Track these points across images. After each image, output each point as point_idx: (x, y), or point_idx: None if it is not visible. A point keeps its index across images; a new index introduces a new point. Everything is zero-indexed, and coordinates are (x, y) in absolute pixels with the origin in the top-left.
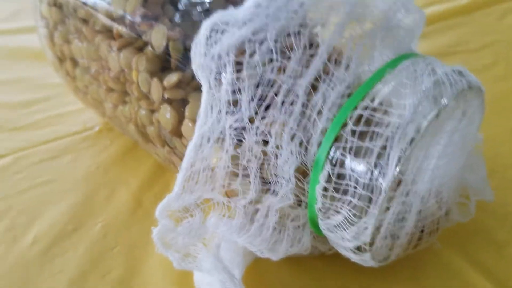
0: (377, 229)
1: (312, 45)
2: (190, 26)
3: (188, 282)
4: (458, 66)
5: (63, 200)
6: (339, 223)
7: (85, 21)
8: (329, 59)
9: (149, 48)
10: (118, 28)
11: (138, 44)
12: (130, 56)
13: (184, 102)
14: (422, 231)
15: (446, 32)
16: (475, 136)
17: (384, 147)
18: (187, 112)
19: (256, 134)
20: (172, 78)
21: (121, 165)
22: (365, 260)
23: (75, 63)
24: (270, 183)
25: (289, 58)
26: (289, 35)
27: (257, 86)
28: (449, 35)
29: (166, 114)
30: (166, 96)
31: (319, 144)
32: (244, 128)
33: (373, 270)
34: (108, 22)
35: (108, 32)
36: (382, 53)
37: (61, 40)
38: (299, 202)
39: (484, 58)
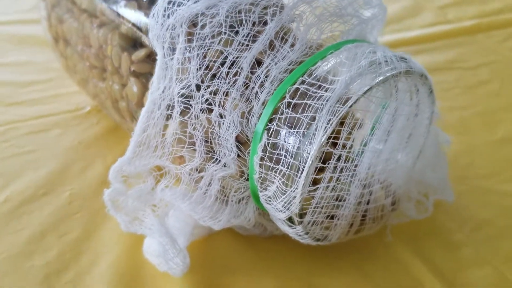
0: (308, 201)
1: (261, 22)
2: None
3: (138, 248)
4: (403, 53)
5: (40, 168)
6: (273, 193)
7: (74, 2)
8: (275, 37)
9: (123, 25)
10: (100, 7)
11: (116, 23)
12: (107, 32)
13: (151, 76)
14: (364, 215)
15: (447, 49)
16: (426, 129)
17: (313, 118)
18: (150, 84)
19: (202, 102)
20: (140, 52)
21: (102, 143)
22: (301, 235)
23: (67, 42)
24: (214, 151)
25: (237, 32)
26: (240, 12)
27: (205, 57)
28: (449, 52)
29: (132, 87)
30: (132, 69)
31: (260, 116)
32: (191, 96)
33: (320, 254)
34: (92, 1)
35: (92, 11)
36: (331, 36)
37: (56, 21)
38: (241, 174)
39: (481, 76)
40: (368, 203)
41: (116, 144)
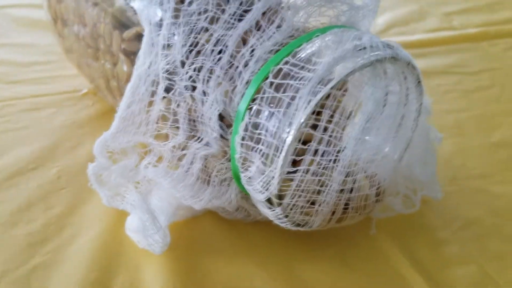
0: (288, 184)
1: (248, 1)
2: None
3: (121, 226)
4: (392, 41)
5: (32, 144)
6: (253, 173)
7: None
8: (262, 17)
9: (116, 2)
10: None
11: (109, 1)
12: (100, 11)
13: None
14: (347, 204)
15: (449, 54)
16: (415, 122)
17: (294, 98)
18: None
19: (186, 79)
20: (131, 31)
21: (95, 124)
22: (280, 218)
23: (64, 23)
24: (197, 130)
25: (223, 10)
26: None
27: (191, 33)
28: (452, 57)
29: (123, 65)
30: (123, 47)
31: (243, 95)
32: (175, 73)
33: (303, 242)
34: None
35: None
36: (319, 21)
37: (55, 1)
38: (224, 154)
39: (481, 81)
40: (351, 192)
41: (108, 126)
